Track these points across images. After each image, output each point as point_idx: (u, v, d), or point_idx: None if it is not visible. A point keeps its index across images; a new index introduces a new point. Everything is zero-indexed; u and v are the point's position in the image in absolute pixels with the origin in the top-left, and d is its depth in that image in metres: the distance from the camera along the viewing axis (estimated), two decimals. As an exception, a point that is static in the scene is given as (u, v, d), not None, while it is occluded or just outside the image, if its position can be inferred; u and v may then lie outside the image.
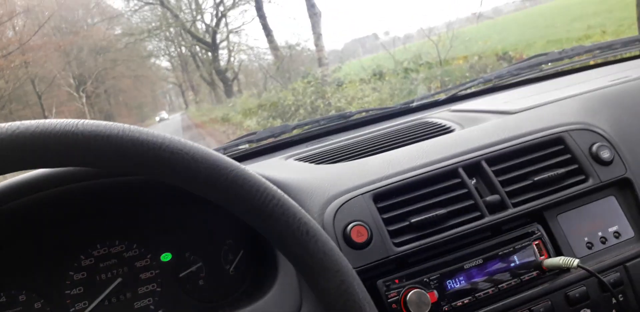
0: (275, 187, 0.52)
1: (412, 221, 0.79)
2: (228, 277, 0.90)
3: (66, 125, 0.46)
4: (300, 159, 1.10)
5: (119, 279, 0.86)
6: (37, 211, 0.79)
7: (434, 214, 0.79)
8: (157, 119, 22.96)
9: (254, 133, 1.45)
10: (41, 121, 0.47)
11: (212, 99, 21.09)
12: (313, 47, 12.48)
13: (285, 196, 0.52)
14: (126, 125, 0.49)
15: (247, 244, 0.92)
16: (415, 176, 0.83)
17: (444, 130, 1.11)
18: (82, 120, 0.48)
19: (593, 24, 10.15)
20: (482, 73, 7.73)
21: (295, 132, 1.48)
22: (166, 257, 0.89)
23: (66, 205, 0.82)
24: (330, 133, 1.45)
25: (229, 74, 19.59)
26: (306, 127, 1.50)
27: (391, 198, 0.81)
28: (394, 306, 0.75)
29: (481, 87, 1.54)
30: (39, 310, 0.82)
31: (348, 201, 0.80)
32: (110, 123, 0.49)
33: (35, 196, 0.74)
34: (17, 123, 0.46)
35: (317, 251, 0.50)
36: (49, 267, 0.84)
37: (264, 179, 0.52)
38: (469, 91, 1.51)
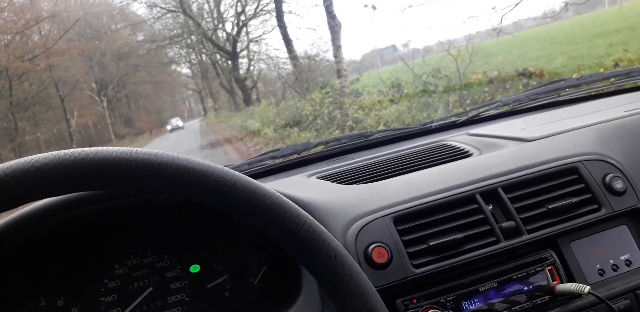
0: (307, 214, 0.57)
1: (431, 243, 0.83)
2: (252, 289, 0.95)
3: (122, 153, 0.52)
4: (322, 177, 1.15)
5: (150, 288, 0.91)
6: (79, 224, 0.84)
7: (451, 238, 0.84)
8: (169, 127, 19.73)
9: (278, 150, 1.51)
10: (100, 149, 0.52)
11: (231, 107, 21.21)
12: (332, 58, 12.54)
13: (316, 222, 0.57)
14: (175, 155, 0.55)
15: (271, 258, 0.97)
16: (435, 200, 0.88)
17: (462, 154, 1.15)
18: (137, 149, 0.54)
19: (615, 42, 10.11)
20: (500, 88, 7.74)
21: (316, 149, 1.53)
22: (195, 268, 0.94)
23: (104, 219, 0.87)
24: (351, 151, 1.50)
25: (248, 83, 19.71)
26: (328, 144, 1.55)
27: (411, 221, 0.86)
28: None
29: (499, 110, 1.58)
30: None
31: (370, 222, 0.84)
32: (161, 152, 0.54)
33: (78, 210, 0.80)
34: (79, 150, 0.51)
35: (344, 274, 0.55)
36: (86, 275, 0.89)
37: (297, 206, 0.57)
38: (487, 114, 1.55)
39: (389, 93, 9.85)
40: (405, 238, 0.84)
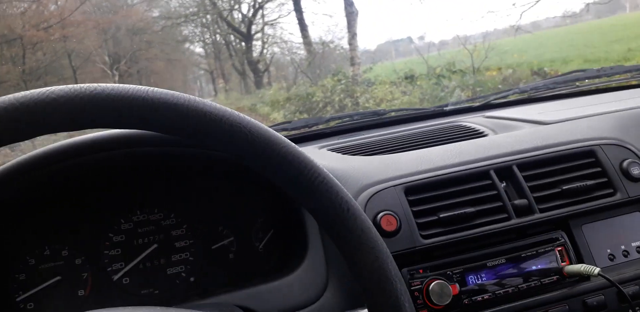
0: (321, 166, 0.56)
1: (441, 216, 0.82)
2: (257, 253, 0.95)
3: (138, 91, 0.51)
4: (334, 150, 1.14)
5: (155, 245, 0.91)
6: (85, 174, 0.83)
7: (462, 211, 0.83)
8: None
9: (289, 122, 1.50)
10: (116, 85, 0.51)
11: (242, 89, 21.17)
12: (346, 46, 12.46)
13: (330, 175, 0.56)
14: (192, 97, 0.54)
15: (277, 223, 0.96)
16: (448, 173, 0.87)
17: (477, 134, 1.14)
18: (154, 88, 0.53)
19: (634, 47, 10.00)
20: (514, 86, 7.68)
21: (329, 124, 1.52)
22: (200, 229, 0.93)
23: (113, 170, 0.86)
24: (363, 128, 1.48)
25: (261, 66, 19.64)
26: (340, 120, 1.54)
27: (422, 192, 0.85)
28: (416, 294, 0.78)
29: (516, 97, 1.56)
30: (78, 266, 0.87)
31: (380, 191, 0.83)
32: (178, 93, 0.53)
33: (84, 158, 0.79)
34: (95, 85, 0.50)
35: (356, 227, 0.54)
36: (91, 228, 0.89)
37: (311, 158, 0.56)
38: (503, 100, 1.53)
39: (402, 84, 9.80)
40: (415, 209, 0.83)
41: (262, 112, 12.38)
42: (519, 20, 8.99)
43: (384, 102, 8.48)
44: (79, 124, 0.50)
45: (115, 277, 0.88)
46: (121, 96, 0.50)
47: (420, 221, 0.82)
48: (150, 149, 0.82)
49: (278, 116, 10.70)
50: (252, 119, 0.55)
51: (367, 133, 1.41)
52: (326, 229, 0.55)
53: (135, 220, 0.91)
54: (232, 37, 20.93)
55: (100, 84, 0.51)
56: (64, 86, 0.50)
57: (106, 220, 0.90)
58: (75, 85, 0.50)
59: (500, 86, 7.89)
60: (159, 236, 0.92)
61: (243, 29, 19.28)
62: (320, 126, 1.49)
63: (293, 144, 0.55)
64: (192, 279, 0.91)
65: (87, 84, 0.50)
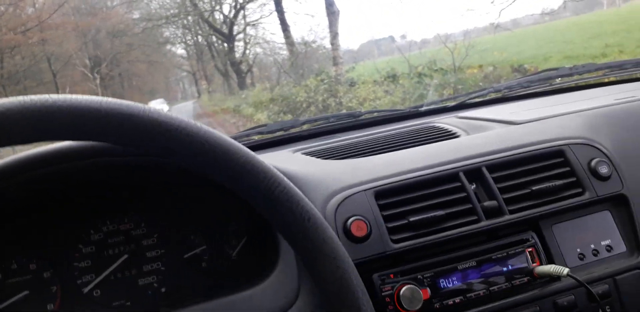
0: (281, 175, 0.55)
1: (411, 219, 0.82)
2: (230, 261, 0.94)
3: (91, 102, 0.50)
4: (307, 153, 1.14)
5: (126, 256, 0.89)
6: (52, 184, 0.82)
7: (432, 214, 0.82)
8: None
9: (265, 125, 1.49)
10: (68, 96, 0.50)
11: (225, 90, 21.13)
12: (329, 46, 12.49)
13: (290, 184, 0.55)
14: (147, 107, 0.52)
15: (250, 230, 0.95)
16: (417, 176, 0.87)
17: (449, 135, 1.14)
18: (107, 98, 0.52)
19: (611, 43, 10.14)
20: (495, 83, 7.75)
21: (304, 127, 1.51)
22: (172, 238, 0.92)
23: (79, 180, 0.85)
24: (339, 131, 1.48)
25: (243, 66, 19.63)
26: (316, 123, 1.53)
27: (392, 196, 0.84)
28: (387, 299, 0.78)
29: (491, 96, 1.57)
30: (47, 279, 0.85)
31: (350, 196, 0.83)
32: (132, 103, 0.52)
33: (51, 168, 0.77)
34: (46, 96, 0.49)
35: (317, 237, 0.53)
36: (60, 239, 0.87)
37: (271, 167, 0.55)
38: (478, 100, 1.54)
39: (384, 83, 9.83)
40: (385, 213, 0.83)
41: (246, 113, 12.36)
42: (498, 18, 9.08)
43: (367, 102, 8.51)
44: (29, 137, 0.49)
45: (86, 290, 0.87)
46: (73, 108, 0.49)
47: (391, 225, 0.82)
48: (116, 159, 0.81)
49: (262, 117, 10.69)
50: (210, 129, 0.54)
51: (344, 135, 1.41)
52: (287, 240, 0.55)
53: (105, 230, 0.90)
54: (214, 38, 20.87)
55: (52, 95, 0.50)
56: (13, 98, 0.49)
57: (75, 231, 0.88)
58: (26, 97, 0.49)
59: (481, 83, 7.96)
60: (129, 246, 0.90)
61: (225, 29, 19.25)
62: (297, 129, 1.49)
63: (252, 153, 0.55)
64: (163, 289, 0.90)
65: (39, 96, 0.49)
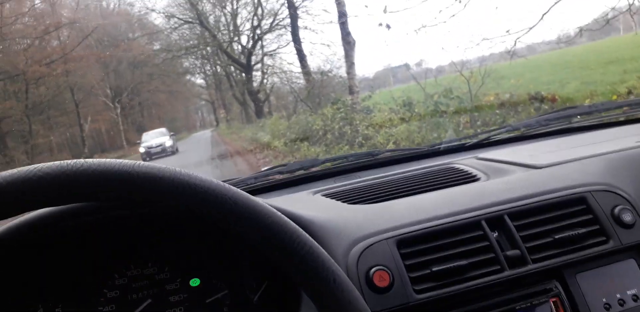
0: (307, 235, 0.56)
1: (434, 269, 0.82)
2: (252, 306, 0.94)
3: (124, 166, 0.52)
4: (327, 195, 1.15)
5: (149, 300, 0.90)
6: (80, 232, 0.84)
7: (455, 264, 0.82)
8: (141, 149, 13.02)
9: (285, 165, 1.51)
10: (102, 161, 0.52)
11: (243, 118, 21.35)
12: (345, 75, 12.61)
13: (316, 244, 0.56)
14: (178, 170, 0.54)
15: (272, 275, 0.96)
16: (440, 225, 0.87)
17: (470, 178, 1.14)
18: (139, 162, 0.54)
19: (629, 69, 10.08)
20: (512, 111, 7.73)
21: (324, 166, 1.53)
22: (195, 282, 0.93)
23: (106, 228, 0.87)
24: (357, 169, 1.49)
25: (261, 95, 19.86)
26: (335, 162, 1.55)
27: (414, 245, 0.85)
28: None
29: (509, 134, 1.57)
30: None
31: (372, 244, 0.83)
32: (164, 166, 0.54)
33: (81, 219, 0.80)
34: (82, 161, 0.51)
35: (343, 299, 0.54)
36: (85, 285, 0.88)
37: (297, 227, 0.56)
38: (496, 138, 1.55)
39: (400, 111, 9.86)
40: (408, 262, 0.83)
41: (263, 140, 12.46)
42: (514, 46, 9.09)
43: (383, 130, 8.53)
44: (65, 200, 0.51)
45: None
46: (107, 172, 0.51)
47: (413, 275, 0.82)
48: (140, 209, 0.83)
49: (279, 144, 10.76)
50: (238, 190, 0.56)
51: (363, 174, 1.42)
52: (313, 300, 0.55)
53: (129, 275, 0.91)
54: (232, 68, 21.21)
55: (87, 160, 0.52)
56: (51, 163, 0.51)
57: (100, 276, 0.90)
58: (62, 162, 0.51)
59: (497, 111, 7.94)
60: (153, 291, 0.91)
61: (243, 60, 19.57)
62: (316, 168, 1.50)
63: (279, 213, 0.56)
64: None
65: (74, 161, 0.51)
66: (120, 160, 0.54)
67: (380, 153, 1.56)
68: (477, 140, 1.53)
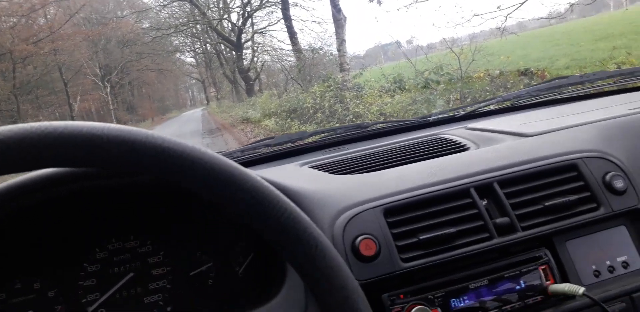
0: (288, 201, 0.54)
1: (421, 237, 0.80)
2: (237, 278, 0.92)
3: (93, 129, 0.49)
4: (314, 167, 1.12)
5: (131, 274, 0.88)
6: (56, 204, 0.82)
7: (443, 232, 0.81)
8: None
9: (272, 138, 1.48)
10: (69, 123, 0.49)
11: (233, 97, 21.23)
12: (335, 52, 12.50)
13: (298, 210, 0.54)
14: (150, 132, 0.51)
15: (257, 247, 0.94)
16: (427, 193, 0.85)
17: (459, 147, 1.12)
18: (109, 125, 0.51)
19: (618, 45, 10.05)
20: (502, 88, 7.70)
21: (312, 139, 1.50)
22: (178, 255, 0.91)
23: (85, 200, 0.84)
24: (346, 142, 1.47)
25: (251, 74, 19.73)
26: (323, 134, 1.52)
27: (402, 214, 0.83)
28: None
29: (499, 106, 1.55)
30: (52, 299, 0.84)
31: (359, 213, 0.81)
32: (135, 129, 0.51)
33: (55, 190, 0.77)
34: (47, 123, 0.48)
35: (325, 266, 0.52)
36: (64, 258, 0.86)
37: (278, 192, 0.54)
38: (486, 109, 1.52)
39: (391, 88, 9.81)
40: (395, 231, 0.81)
41: (254, 119, 12.39)
42: (504, 22, 9.01)
43: (374, 107, 8.48)
44: (30, 165, 0.48)
45: (91, 309, 0.86)
46: (74, 136, 0.48)
47: (400, 243, 0.80)
48: (121, 179, 0.80)
49: (270, 123, 10.70)
50: (215, 154, 0.53)
51: (352, 147, 1.39)
52: (295, 267, 0.53)
53: (110, 248, 0.89)
54: (222, 46, 21.02)
55: (52, 123, 0.49)
56: (13, 126, 0.48)
57: (80, 249, 0.87)
58: (26, 125, 0.48)
59: (487, 88, 7.91)
60: (135, 264, 0.89)
61: (233, 37, 19.36)
62: (304, 141, 1.48)
63: (259, 178, 0.54)
64: (169, 308, 0.89)
65: (39, 123, 0.48)
66: (90, 122, 0.50)
67: (369, 125, 1.53)
68: (467, 112, 1.50)
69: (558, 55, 11.91)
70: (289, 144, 1.46)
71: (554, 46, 13.70)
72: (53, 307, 0.85)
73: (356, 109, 8.61)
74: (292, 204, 0.54)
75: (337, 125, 8.10)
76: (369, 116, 8.03)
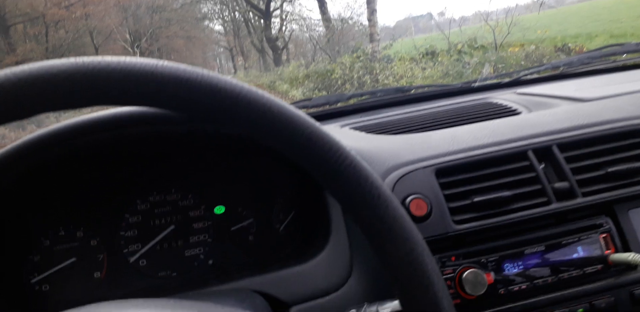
0: (349, 149, 0.50)
1: (475, 200, 0.76)
2: (277, 236, 0.90)
3: (146, 65, 0.45)
4: (357, 128, 1.08)
5: (172, 226, 0.87)
6: (100, 152, 0.79)
7: (498, 195, 0.76)
8: None
9: (310, 99, 1.44)
10: (122, 58, 0.46)
11: (261, 66, 21.18)
12: (365, 22, 12.31)
13: (359, 158, 0.50)
14: (205, 71, 0.48)
15: (299, 204, 0.92)
16: (482, 154, 0.80)
17: (510, 112, 1.07)
18: (163, 62, 0.47)
19: (663, 21, 9.66)
20: (537, 63, 7.49)
21: (351, 101, 1.46)
22: (219, 209, 0.89)
23: (128, 149, 0.82)
24: (386, 106, 1.42)
25: (279, 43, 19.59)
26: (362, 97, 1.47)
27: (455, 175, 0.79)
28: (448, 283, 0.73)
29: (549, 73, 1.48)
30: (94, 248, 0.84)
31: (409, 173, 0.78)
32: (190, 67, 0.48)
33: (99, 136, 0.75)
34: (99, 58, 0.45)
35: (387, 216, 0.49)
36: (107, 208, 0.85)
37: (338, 140, 0.50)
38: (534, 76, 1.45)
39: (422, 61, 9.64)
40: (447, 192, 0.77)
41: (281, 89, 12.34)
42: (545, -5, 8.71)
43: (404, 79, 8.36)
44: (81, 102, 0.46)
45: (132, 259, 0.85)
46: (127, 71, 0.45)
47: (453, 205, 0.76)
48: (165, 128, 0.78)
49: (297, 93, 10.65)
50: (272, 96, 0.50)
51: (391, 111, 1.35)
52: (354, 218, 0.50)
53: (151, 200, 0.87)
54: (250, 14, 20.86)
55: (105, 58, 0.46)
56: (65, 60, 0.45)
57: (122, 200, 0.86)
58: (77, 58, 0.45)
59: (522, 62, 7.72)
60: (176, 217, 0.88)
61: (262, 6, 19.19)
62: (342, 104, 1.43)
63: (318, 123, 0.50)
64: (210, 261, 0.88)
65: (91, 58, 0.45)
66: (143, 59, 0.47)
67: (411, 89, 1.48)
68: (514, 78, 1.44)
69: (597, 31, 11.52)
70: (327, 106, 1.42)
71: (593, 22, 13.27)
72: (95, 255, 0.84)
73: (385, 81, 8.49)
74: (353, 152, 0.50)
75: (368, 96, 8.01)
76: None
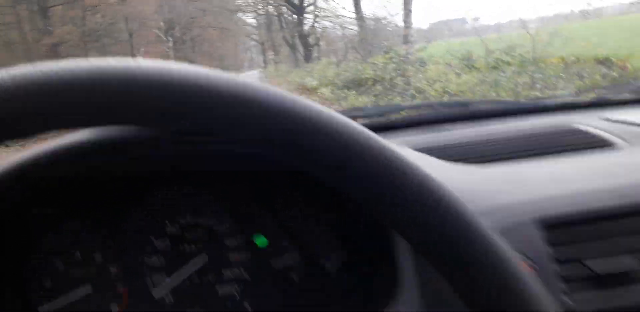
0: (441, 183, 0.36)
1: (598, 270, 0.58)
2: (330, 278, 0.76)
3: (214, 79, 0.32)
4: (421, 150, 0.93)
5: (204, 255, 0.74)
6: (131, 168, 0.69)
7: (626, 263, 0.59)
8: None
9: (360, 108, 1.30)
10: (182, 66, 0.33)
11: (291, 62, 21.15)
12: (400, 23, 12.15)
13: (456, 196, 0.36)
14: (285, 93, 0.35)
15: (357, 242, 0.77)
16: (604, 204, 0.64)
17: (602, 143, 0.91)
18: (230, 77, 0.34)
19: None
20: (577, 76, 7.22)
21: (404, 113, 1.31)
22: (260, 241, 0.75)
23: (162, 167, 0.71)
24: (445, 121, 1.27)
25: (311, 39, 19.54)
26: (417, 109, 1.33)
27: (566, 229, 0.62)
28: None
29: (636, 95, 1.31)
30: (113, 274, 0.72)
31: (510, 223, 0.62)
32: (262, 86, 0.34)
33: (133, 152, 0.62)
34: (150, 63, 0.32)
35: (509, 276, 0.35)
36: (131, 231, 0.73)
37: (427, 172, 0.36)
38: (620, 98, 1.28)
39: (458, 65, 9.41)
40: (558, 253, 0.59)
41: (310, 86, 12.23)
42: (588, 6, 8.46)
43: (437, 84, 8.16)
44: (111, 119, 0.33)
45: (157, 295, 0.72)
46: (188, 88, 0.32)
47: (566, 273, 0.59)
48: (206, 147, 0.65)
49: (326, 91, 10.53)
50: (330, 111, 0.36)
51: (452, 127, 1.19)
52: (452, 283, 0.36)
53: (182, 223, 0.74)
54: (284, 9, 20.83)
55: (157, 63, 0.32)
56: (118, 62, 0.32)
57: (149, 221, 0.74)
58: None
59: (562, 74, 7.46)
60: (209, 244, 0.74)
61: (296, 1, 19.12)
62: (396, 115, 1.29)
63: (399, 151, 0.36)
64: (246, 303, 0.74)
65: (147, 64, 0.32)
66: (201, 69, 0.34)
67: (471, 103, 1.32)
68: (596, 98, 1.27)
69: (638, 46, 11.15)
70: (380, 118, 1.28)
71: (636, 36, 12.86)
72: (114, 283, 0.72)
73: (418, 84, 8.31)
74: (449, 189, 0.36)
75: (398, 99, 7.83)
76: (432, 93, 7.72)
